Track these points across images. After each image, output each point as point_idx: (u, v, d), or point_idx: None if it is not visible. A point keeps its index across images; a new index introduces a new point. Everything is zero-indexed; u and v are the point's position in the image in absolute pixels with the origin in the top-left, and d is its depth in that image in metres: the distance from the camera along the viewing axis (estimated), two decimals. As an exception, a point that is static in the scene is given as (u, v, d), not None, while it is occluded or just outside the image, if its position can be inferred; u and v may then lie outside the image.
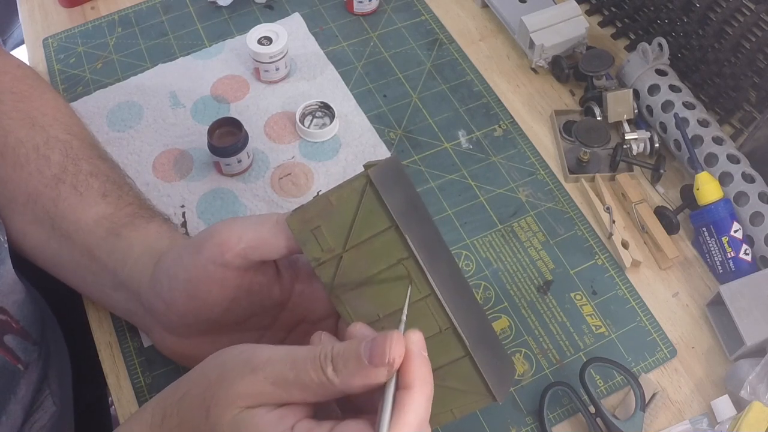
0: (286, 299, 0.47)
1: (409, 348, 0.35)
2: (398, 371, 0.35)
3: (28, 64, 0.71)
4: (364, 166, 0.40)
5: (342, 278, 0.41)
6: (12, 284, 0.50)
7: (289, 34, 0.68)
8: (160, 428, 0.38)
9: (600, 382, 0.52)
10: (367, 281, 0.41)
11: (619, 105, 0.64)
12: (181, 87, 0.69)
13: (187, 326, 0.45)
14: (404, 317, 0.39)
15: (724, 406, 0.50)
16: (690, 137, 0.60)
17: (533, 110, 0.68)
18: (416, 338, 0.36)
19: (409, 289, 0.40)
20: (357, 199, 0.39)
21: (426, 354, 0.36)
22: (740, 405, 0.50)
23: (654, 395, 0.51)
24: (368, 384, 0.35)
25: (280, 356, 0.35)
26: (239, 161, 0.61)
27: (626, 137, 0.63)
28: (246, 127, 0.61)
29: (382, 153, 0.64)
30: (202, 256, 0.42)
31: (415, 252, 0.39)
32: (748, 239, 0.56)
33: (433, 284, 0.40)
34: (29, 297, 0.53)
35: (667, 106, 0.62)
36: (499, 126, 0.67)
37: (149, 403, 0.40)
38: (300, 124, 0.64)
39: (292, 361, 0.35)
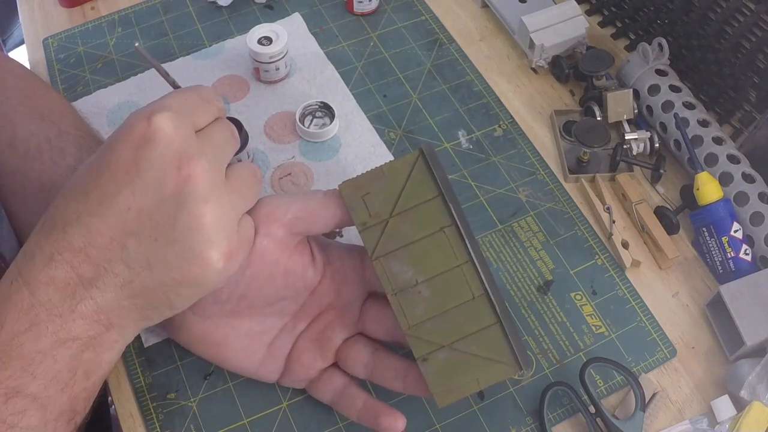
0: (317, 284, 0.48)
1: None
2: None
3: (27, 64, 0.71)
4: (417, 148, 0.45)
5: (385, 243, 0.44)
6: (9, 230, 0.50)
7: (289, 34, 0.68)
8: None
9: (600, 382, 0.52)
10: (409, 247, 0.44)
11: (619, 105, 0.64)
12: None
13: (217, 302, 0.46)
14: None
15: (724, 406, 0.50)
16: (690, 137, 0.60)
17: (533, 110, 0.68)
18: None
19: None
20: (408, 169, 0.44)
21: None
22: (740, 405, 0.50)
23: (654, 395, 0.51)
24: None
25: None
26: (239, 161, 0.61)
27: (626, 137, 0.63)
28: (246, 127, 0.61)
29: (382, 153, 0.64)
30: None
31: (457, 220, 0.43)
32: (748, 239, 0.56)
33: (471, 251, 0.43)
34: None
35: (667, 106, 0.62)
36: (499, 126, 0.67)
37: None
38: (300, 124, 0.64)
39: None
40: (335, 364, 0.50)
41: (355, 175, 0.45)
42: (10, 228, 0.50)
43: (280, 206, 0.44)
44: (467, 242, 0.43)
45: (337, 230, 0.52)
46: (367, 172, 0.44)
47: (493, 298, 0.43)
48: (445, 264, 0.44)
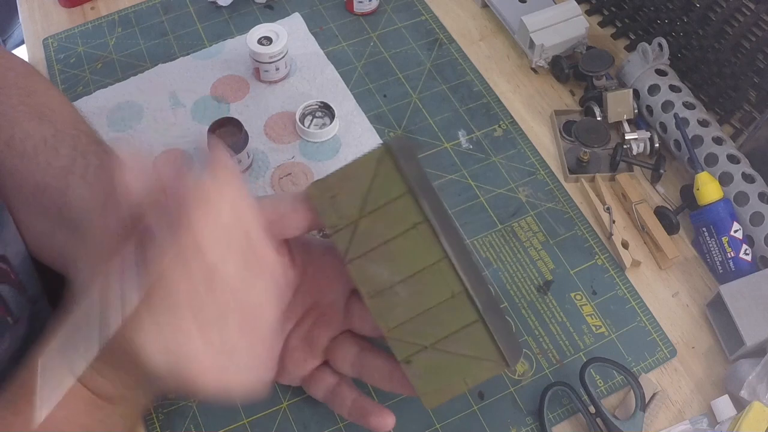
0: (299, 283, 0.47)
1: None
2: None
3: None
4: (382, 143, 0.42)
5: (358, 245, 0.42)
6: (15, 234, 0.50)
7: (289, 34, 0.68)
8: None
9: (600, 382, 0.52)
10: (382, 248, 0.42)
11: (619, 105, 0.64)
12: (181, 87, 0.69)
13: None
14: None
15: (724, 406, 0.50)
16: (690, 137, 0.60)
17: (533, 110, 0.68)
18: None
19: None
20: (373, 166, 0.41)
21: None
22: (740, 405, 0.50)
23: (654, 395, 0.51)
24: None
25: None
26: (239, 161, 0.61)
27: (626, 137, 0.63)
28: (246, 127, 0.61)
29: (382, 153, 0.64)
30: None
31: (430, 216, 0.41)
32: (748, 239, 0.56)
33: (447, 248, 0.41)
34: (30, 255, 0.52)
35: (667, 106, 0.62)
36: (499, 126, 0.67)
37: None
38: (300, 124, 0.64)
39: None
40: (328, 362, 0.50)
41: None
42: (16, 232, 0.50)
43: None
44: (441, 238, 0.41)
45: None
46: (335, 171, 0.42)
47: (473, 294, 0.41)
48: (421, 262, 0.41)
